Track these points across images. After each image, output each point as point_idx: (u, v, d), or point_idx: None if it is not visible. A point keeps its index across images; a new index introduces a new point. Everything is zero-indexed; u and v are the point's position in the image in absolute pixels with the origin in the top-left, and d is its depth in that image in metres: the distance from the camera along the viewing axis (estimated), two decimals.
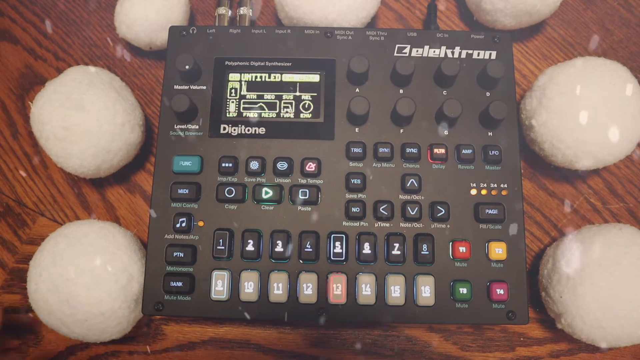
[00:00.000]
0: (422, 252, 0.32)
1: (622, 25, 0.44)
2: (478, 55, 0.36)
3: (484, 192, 0.34)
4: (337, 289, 0.32)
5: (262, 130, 0.35)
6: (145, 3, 0.38)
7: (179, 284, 0.32)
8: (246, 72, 0.36)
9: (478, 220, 0.33)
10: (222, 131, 0.35)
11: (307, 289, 0.32)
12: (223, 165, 0.34)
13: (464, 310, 0.32)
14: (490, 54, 0.36)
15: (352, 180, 0.33)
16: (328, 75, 0.36)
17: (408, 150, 0.34)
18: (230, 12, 0.41)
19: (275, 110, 0.35)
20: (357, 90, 0.35)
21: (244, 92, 0.35)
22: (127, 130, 0.36)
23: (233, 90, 0.35)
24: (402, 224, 0.33)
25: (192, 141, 0.34)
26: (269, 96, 0.35)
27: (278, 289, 0.32)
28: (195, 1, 0.44)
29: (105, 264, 0.32)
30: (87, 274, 0.32)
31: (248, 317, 0.32)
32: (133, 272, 0.33)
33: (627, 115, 0.34)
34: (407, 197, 0.34)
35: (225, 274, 0.32)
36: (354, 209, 0.33)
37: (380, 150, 0.34)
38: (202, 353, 0.36)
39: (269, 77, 0.36)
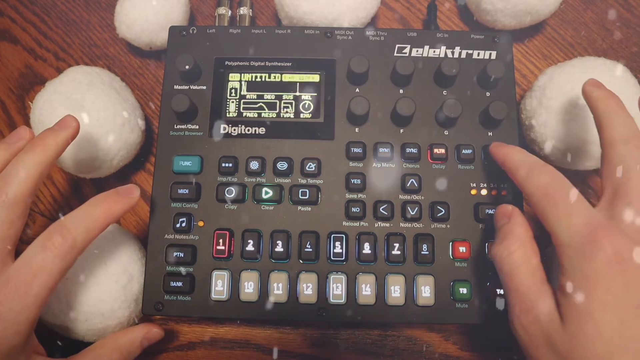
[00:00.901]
0: (422, 252, 0.32)
1: (622, 25, 0.44)
2: (478, 55, 0.36)
3: (484, 192, 0.34)
4: (337, 289, 0.32)
5: (262, 130, 0.35)
6: (145, 3, 0.38)
7: (179, 284, 0.32)
8: (246, 72, 0.36)
9: (478, 220, 0.33)
10: (222, 131, 0.35)
11: (307, 289, 0.32)
12: (223, 165, 0.34)
13: (464, 310, 0.32)
14: (490, 54, 0.36)
15: (352, 180, 0.33)
16: (328, 75, 0.36)
17: (408, 150, 0.34)
18: (230, 12, 0.41)
19: (275, 110, 0.35)
20: (357, 90, 0.35)
21: (244, 92, 0.35)
22: (127, 130, 0.36)
23: (233, 90, 0.36)
24: (402, 224, 0.33)
25: (192, 141, 0.34)
26: (269, 96, 0.35)
27: (278, 289, 0.32)
28: (195, 1, 0.44)
29: (105, 264, 0.32)
30: (87, 274, 0.32)
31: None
32: (133, 272, 0.33)
33: None
34: (407, 197, 0.34)
35: (225, 274, 0.32)
36: (354, 209, 0.33)
37: (380, 150, 0.34)
38: (202, 353, 0.36)
39: (269, 77, 0.36)
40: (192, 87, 0.35)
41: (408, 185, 0.33)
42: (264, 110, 0.35)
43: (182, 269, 0.32)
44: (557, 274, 0.26)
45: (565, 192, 0.26)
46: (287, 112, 0.35)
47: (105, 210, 0.29)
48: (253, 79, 0.36)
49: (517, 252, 0.27)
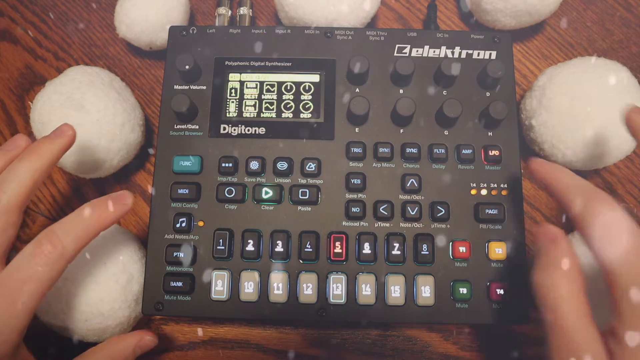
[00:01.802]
0: (422, 252, 0.32)
1: (622, 25, 0.44)
2: (478, 55, 0.36)
3: (484, 192, 0.34)
4: (337, 289, 0.32)
5: (262, 130, 0.35)
6: (145, 3, 0.38)
7: (179, 284, 0.32)
8: (246, 72, 0.36)
9: (478, 220, 0.33)
10: (222, 131, 0.35)
11: (307, 289, 0.32)
12: (223, 165, 0.34)
13: (464, 310, 0.32)
14: (490, 54, 0.36)
15: (352, 180, 0.33)
16: (328, 75, 0.36)
17: (408, 150, 0.34)
18: (230, 12, 0.41)
19: (275, 110, 0.35)
20: (357, 90, 0.35)
21: (244, 92, 0.35)
22: (127, 130, 0.36)
23: (233, 90, 0.36)
24: (402, 224, 0.33)
25: (192, 141, 0.34)
26: (269, 96, 0.35)
27: (278, 289, 0.32)
28: (195, 1, 0.44)
29: (105, 264, 0.32)
30: (86, 274, 0.32)
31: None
32: (133, 272, 0.33)
33: None
34: (407, 197, 0.34)
35: (225, 274, 0.32)
36: (354, 209, 0.33)
37: (380, 150, 0.34)
38: (202, 353, 0.36)
39: (269, 77, 0.36)
40: (192, 87, 0.35)
41: (408, 185, 0.33)
42: (264, 110, 0.35)
43: (182, 269, 0.32)
44: (606, 316, 0.24)
45: (630, 236, 0.24)
46: (287, 112, 0.35)
47: (97, 217, 0.28)
48: (253, 79, 0.36)
49: (562, 284, 0.25)
